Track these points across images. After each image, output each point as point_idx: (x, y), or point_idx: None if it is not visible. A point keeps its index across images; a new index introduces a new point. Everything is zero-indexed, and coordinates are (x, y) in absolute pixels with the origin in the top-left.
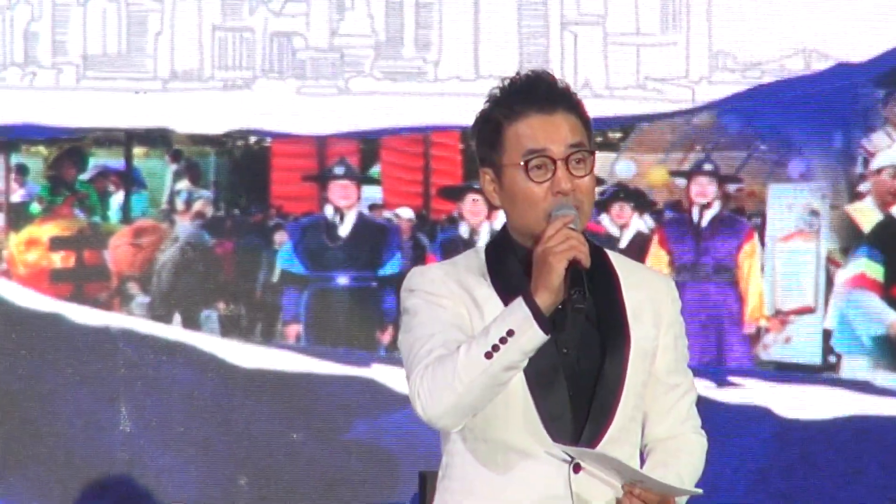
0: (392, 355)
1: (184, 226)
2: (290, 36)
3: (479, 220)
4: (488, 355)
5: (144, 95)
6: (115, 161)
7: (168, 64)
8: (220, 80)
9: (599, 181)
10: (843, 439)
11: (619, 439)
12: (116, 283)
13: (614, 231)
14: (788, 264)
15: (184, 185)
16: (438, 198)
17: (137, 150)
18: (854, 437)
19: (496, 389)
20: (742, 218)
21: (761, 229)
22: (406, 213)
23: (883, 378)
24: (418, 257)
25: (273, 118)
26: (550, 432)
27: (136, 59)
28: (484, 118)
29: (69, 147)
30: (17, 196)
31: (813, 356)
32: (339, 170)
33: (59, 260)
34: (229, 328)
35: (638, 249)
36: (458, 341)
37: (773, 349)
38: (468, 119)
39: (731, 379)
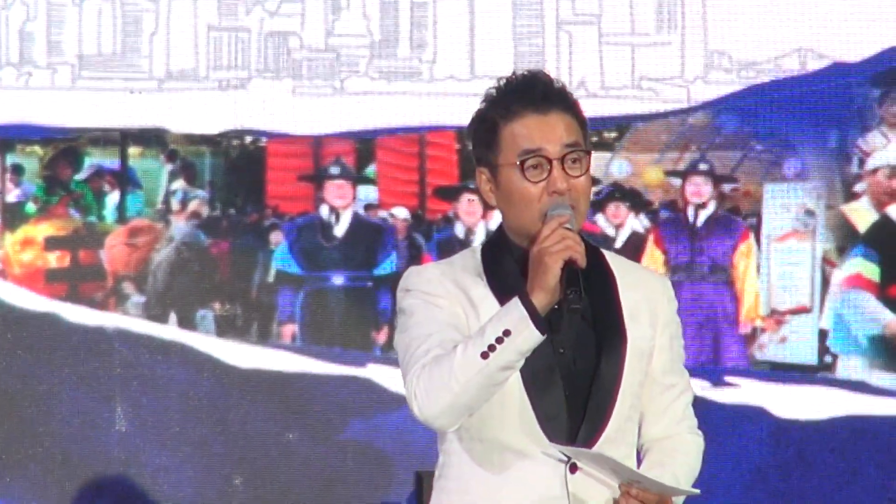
0: (387, 355)
1: (179, 226)
2: (285, 36)
3: (475, 220)
4: (484, 355)
5: (140, 95)
6: (111, 161)
7: (163, 64)
8: (215, 79)
9: (595, 181)
10: (839, 439)
11: (615, 439)
12: (112, 283)
13: (610, 231)
14: (784, 264)
15: (179, 184)
16: (434, 198)
17: (133, 150)
18: (850, 437)
19: (492, 389)
20: (737, 218)
21: (757, 229)
22: (402, 213)
23: (879, 378)
24: (414, 257)
25: (269, 118)
26: (546, 432)
27: (132, 59)
28: (480, 118)
29: (64, 147)
30: (12, 196)
31: (809, 356)
32: (334, 170)
33: (54, 260)
34: (225, 328)
35: (633, 249)
36: (455, 341)
37: (769, 349)
38: (464, 119)
39: (727, 379)
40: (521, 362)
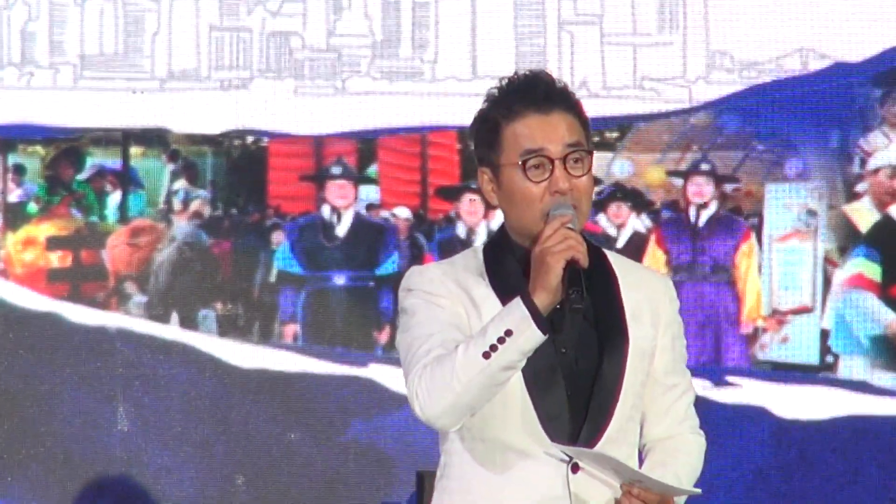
0: (389, 355)
1: (181, 225)
2: (287, 36)
3: (477, 220)
4: (486, 355)
5: (141, 95)
6: (113, 161)
7: (165, 64)
8: (217, 79)
9: (596, 181)
10: (840, 439)
11: (617, 439)
12: (114, 283)
13: (611, 231)
14: (786, 264)
15: (181, 184)
16: (436, 197)
17: (134, 150)
18: (852, 437)
19: (494, 389)
20: (739, 218)
21: (758, 229)
22: (403, 213)
23: (880, 378)
24: (415, 257)
25: (270, 118)
26: (548, 432)
27: (134, 59)
28: (482, 118)
29: (66, 147)
30: (14, 196)
31: (810, 356)
32: (336, 169)
33: (56, 260)
34: (227, 328)
35: (635, 249)
36: (457, 341)
37: (771, 349)
38: (465, 119)
39: (729, 379)
40: (523, 362)
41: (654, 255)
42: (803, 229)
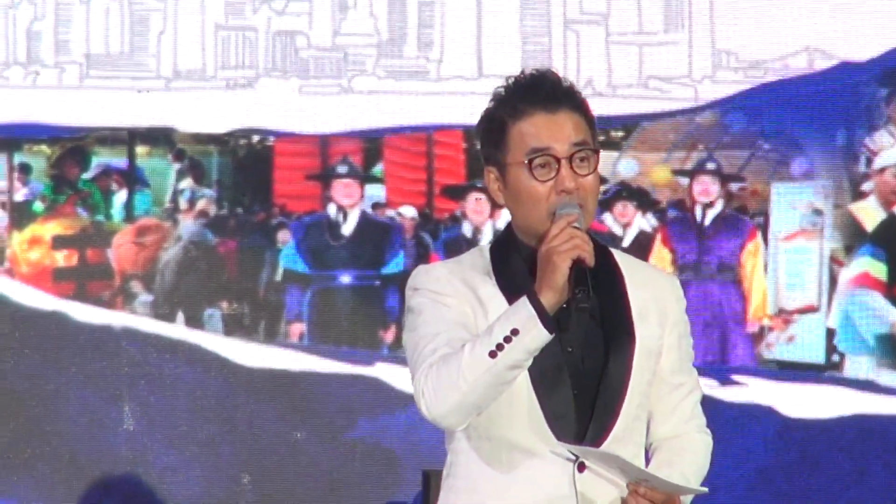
0: (395, 354)
1: (187, 225)
2: (293, 35)
3: (482, 219)
4: (492, 354)
5: (147, 94)
6: (118, 160)
7: (171, 63)
8: (222, 79)
9: (602, 180)
10: (846, 438)
11: (623, 438)
12: (119, 282)
13: (617, 230)
14: (791, 263)
15: (187, 183)
16: (441, 196)
17: (140, 149)
18: (857, 437)
19: (500, 388)
20: (745, 217)
21: (764, 228)
22: (409, 212)
23: (886, 377)
24: (421, 256)
25: (276, 117)
26: (555, 431)
27: (139, 58)
28: (488, 117)
29: (72, 146)
30: (20, 195)
31: (816, 355)
32: (342, 168)
33: (62, 259)
34: (232, 327)
35: (641, 248)
36: (463, 340)
37: (777, 348)
38: (471, 118)
39: (734, 378)
40: (529, 361)
41: (660, 254)
42: (809, 228)
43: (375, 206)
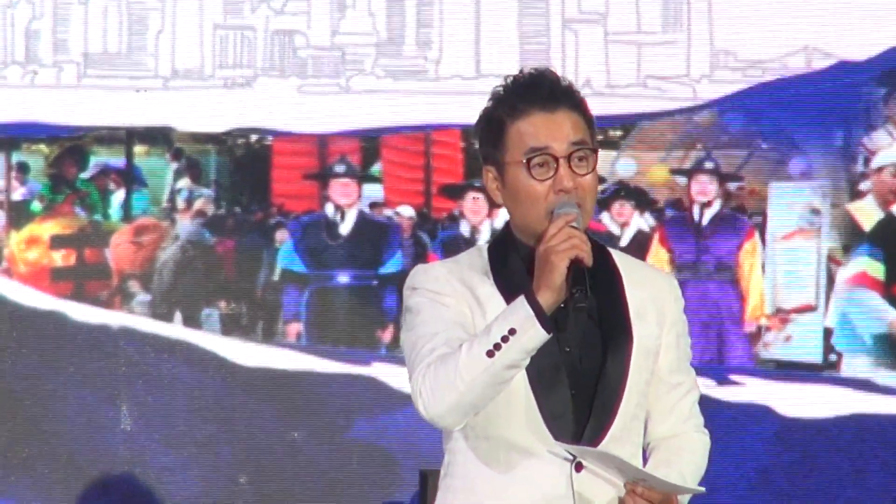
0: (393, 354)
1: (185, 224)
2: (291, 34)
3: (480, 219)
4: (490, 354)
5: (145, 94)
6: (116, 159)
7: (169, 62)
8: (221, 78)
9: (600, 179)
10: (844, 438)
11: (621, 438)
12: (117, 282)
13: (615, 229)
14: (789, 263)
15: (185, 183)
16: (439, 196)
17: (138, 149)
18: (855, 436)
19: (498, 388)
20: (743, 216)
21: (762, 228)
22: (407, 212)
23: (884, 377)
24: (419, 255)
25: (274, 116)
26: (552, 431)
27: (138, 58)
28: (487, 116)
29: (70, 145)
30: (17, 194)
31: (814, 355)
32: (339, 168)
33: (59, 258)
34: (230, 327)
35: (639, 248)
36: (461, 340)
37: (774, 348)
38: (469, 117)
39: (732, 377)
40: (527, 361)
41: (658, 253)
42: (807, 228)
43: (373, 205)
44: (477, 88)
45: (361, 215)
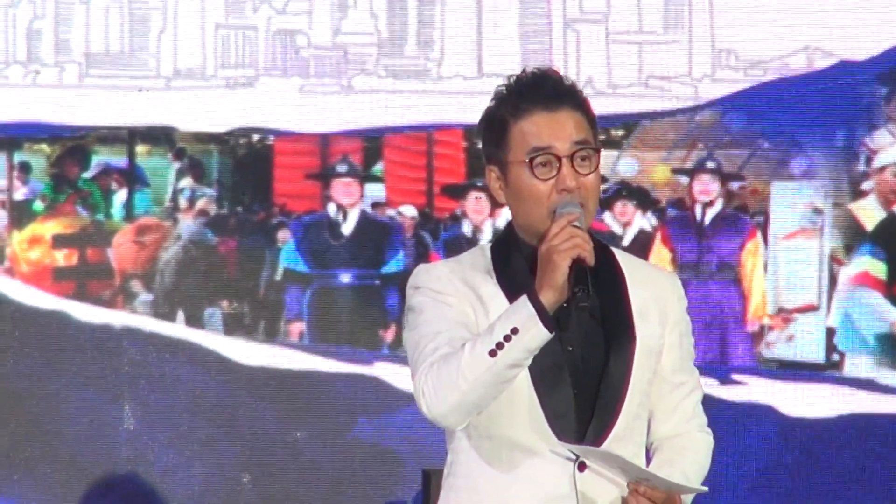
0: (395, 353)
1: (187, 224)
2: (293, 34)
3: (483, 218)
4: (492, 353)
5: (147, 93)
6: (118, 159)
7: (171, 62)
8: (223, 78)
9: (602, 179)
10: (846, 437)
11: (623, 437)
12: (119, 281)
13: (617, 229)
14: (791, 262)
15: (187, 182)
16: (441, 196)
17: (140, 148)
18: (857, 436)
19: (500, 387)
20: (745, 216)
21: (764, 227)
22: (409, 211)
23: (886, 376)
24: (421, 255)
25: (276, 116)
26: (555, 430)
27: (139, 57)
28: (489, 116)
29: (72, 145)
30: (19, 194)
31: (816, 354)
32: (342, 168)
33: (62, 258)
34: (232, 326)
35: (641, 247)
36: (464, 339)
37: (776, 347)
38: (471, 117)
39: (734, 377)
40: (529, 360)
41: (660, 253)
42: (809, 227)
43: (375, 205)
44: (479, 88)
45: (363, 215)
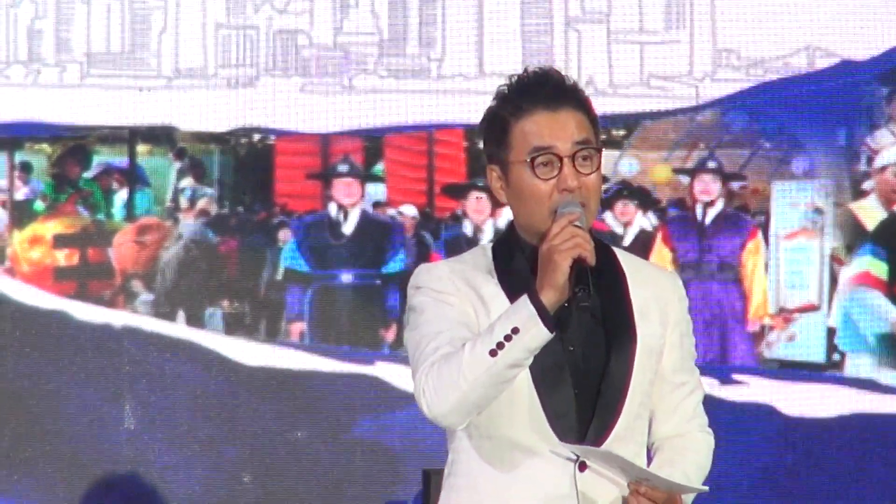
0: (396, 353)
1: (188, 223)
2: (293, 34)
3: (483, 218)
4: (493, 353)
5: (148, 93)
6: (119, 159)
7: (172, 62)
8: (223, 77)
9: (603, 179)
10: (847, 437)
11: (624, 437)
12: (120, 281)
13: (618, 229)
14: (792, 262)
15: (188, 182)
16: (442, 195)
17: (141, 148)
18: (858, 435)
19: (501, 387)
20: (746, 215)
21: (765, 227)
22: (410, 211)
23: (887, 376)
24: (422, 255)
25: (277, 116)
26: (556, 430)
27: (140, 57)
28: (491, 115)
29: (73, 145)
30: (20, 194)
31: (817, 354)
32: (342, 167)
33: (62, 258)
34: (233, 326)
35: (642, 247)
36: (465, 339)
37: (777, 347)
38: (472, 117)
39: (735, 377)
40: (530, 360)
41: (661, 253)
42: (810, 227)
43: (376, 204)
44: (480, 88)
45: (364, 215)
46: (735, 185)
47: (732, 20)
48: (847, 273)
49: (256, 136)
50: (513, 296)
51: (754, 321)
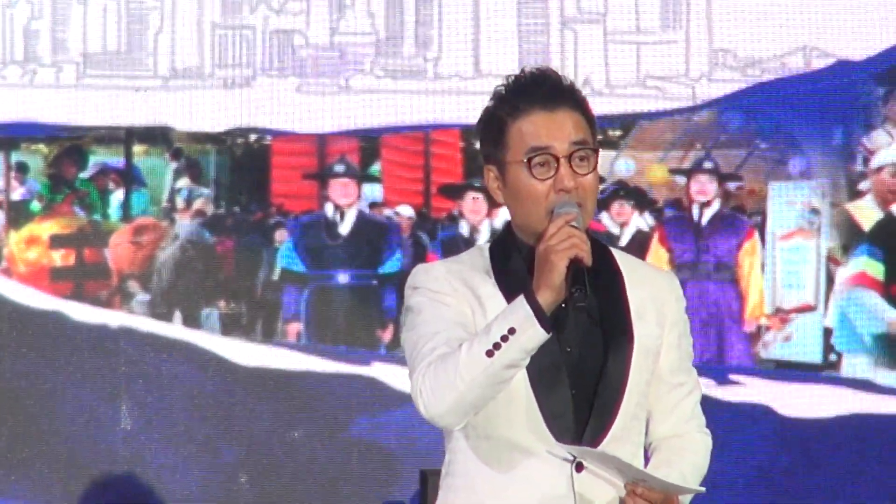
0: (393, 353)
1: (184, 224)
2: (290, 34)
3: (480, 219)
4: (489, 353)
5: (145, 93)
6: (116, 159)
7: (168, 62)
8: (220, 77)
9: (600, 179)
10: (843, 438)
11: (621, 438)
12: (117, 282)
13: (614, 229)
14: (789, 262)
15: (184, 183)
16: (439, 196)
17: (137, 148)
18: (855, 436)
19: (498, 387)
20: (742, 216)
21: (762, 227)
22: (406, 211)
23: (883, 376)
24: (419, 255)
25: (273, 116)
26: (553, 430)
27: (137, 57)
28: (488, 115)
29: (69, 145)
30: (17, 194)
31: (813, 354)
32: (339, 168)
33: (59, 258)
34: (230, 326)
35: (638, 248)
36: (462, 339)
37: (774, 347)
38: (468, 117)
39: (732, 377)
40: (527, 360)
41: (657, 253)
42: (806, 227)
43: (373, 205)
44: (476, 88)
45: (361, 215)
46: (731, 185)
47: (729, 20)
48: (843, 273)
49: (253, 137)
50: (510, 296)
51: (751, 321)
